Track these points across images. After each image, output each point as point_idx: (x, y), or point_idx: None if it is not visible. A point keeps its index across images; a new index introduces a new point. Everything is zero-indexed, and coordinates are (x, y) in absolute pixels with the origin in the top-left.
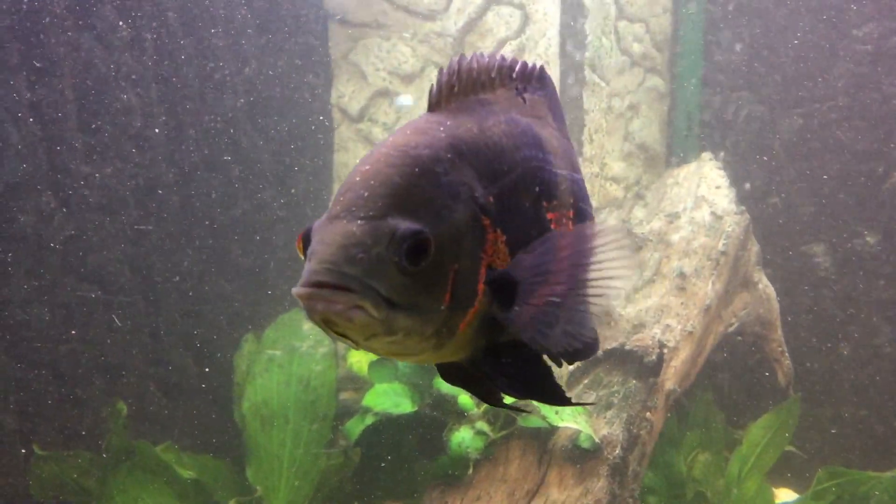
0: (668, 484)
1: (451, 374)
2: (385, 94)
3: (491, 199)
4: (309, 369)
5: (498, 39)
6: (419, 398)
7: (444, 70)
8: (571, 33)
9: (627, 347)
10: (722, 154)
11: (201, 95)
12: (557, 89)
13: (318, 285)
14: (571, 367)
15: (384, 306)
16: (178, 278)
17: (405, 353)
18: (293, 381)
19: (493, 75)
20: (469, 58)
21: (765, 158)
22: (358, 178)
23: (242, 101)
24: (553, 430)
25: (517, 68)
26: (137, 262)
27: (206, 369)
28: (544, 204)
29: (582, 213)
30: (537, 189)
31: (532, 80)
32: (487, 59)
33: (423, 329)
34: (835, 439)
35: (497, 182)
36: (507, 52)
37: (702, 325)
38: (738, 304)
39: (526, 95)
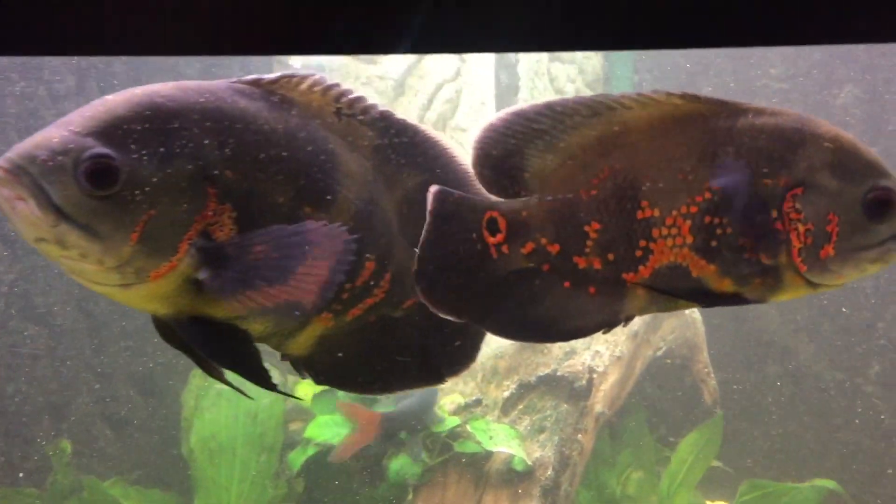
0: (603, 503)
1: (168, 334)
2: None
3: (229, 173)
4: (257, 403)
5: (436, 82)
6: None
7: (285, 74)
8: (506, 75)
9: (559, 373)
10: None
11: None
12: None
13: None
14: (506, 394)
15: (52, 212)
16: (122, 315)
17: (86, 277)
18: (241, 415)
19: (313, 88)
20: (299, 73)
21: None
22: (96, 102)
23: None
24: (489, 454)
25: (347, 97)
26: (82, 302)
27: (153, 404)
28: (306, 209)
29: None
30: (301, 192)
31: (365, 114)
32: (316, 77)
33: (102, 258)
34: (764, 454)
35: (245, 163)
36: (446, 94)
37: (630, 350)
38: (667, 329)
39: (345, 118)
